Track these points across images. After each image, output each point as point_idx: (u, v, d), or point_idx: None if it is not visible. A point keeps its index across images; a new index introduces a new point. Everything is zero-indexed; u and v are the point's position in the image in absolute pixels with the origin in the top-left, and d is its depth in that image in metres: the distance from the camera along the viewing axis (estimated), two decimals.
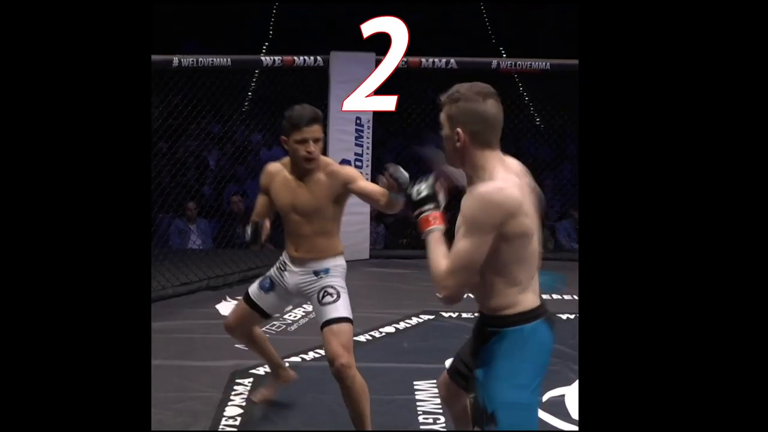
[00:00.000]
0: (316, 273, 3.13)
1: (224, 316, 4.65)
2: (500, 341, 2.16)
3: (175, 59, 4.98)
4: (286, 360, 3.88)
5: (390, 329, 4.43)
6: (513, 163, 2.24)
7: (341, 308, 3.05)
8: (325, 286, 3.09)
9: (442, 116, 2.18)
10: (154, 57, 4.92)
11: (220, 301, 4.98)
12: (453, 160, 2.21)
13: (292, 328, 4.50)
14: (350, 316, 3.05)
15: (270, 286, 3.22)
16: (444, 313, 4.71)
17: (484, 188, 2.08)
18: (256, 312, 3.25)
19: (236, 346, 4.12)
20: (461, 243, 2.06)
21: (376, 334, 4.31)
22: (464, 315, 4.73)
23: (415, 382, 3.69)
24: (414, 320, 4.50)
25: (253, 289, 3.26)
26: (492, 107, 2.15)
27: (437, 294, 2.15)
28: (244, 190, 7.46)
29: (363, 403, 2.99)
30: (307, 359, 4.02)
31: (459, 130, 2.13)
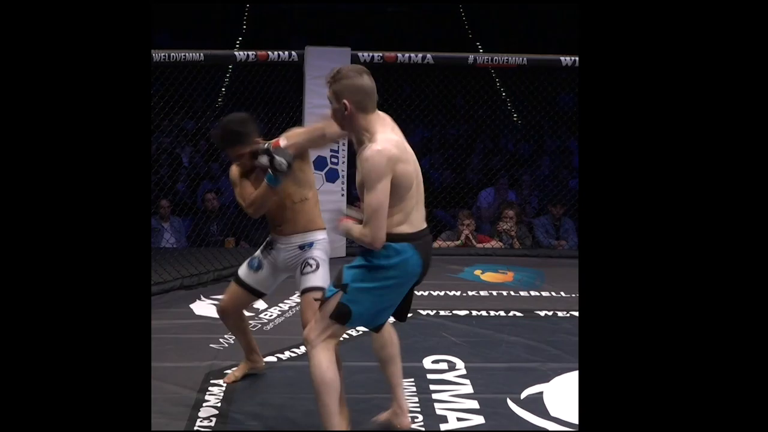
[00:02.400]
0: (301, 247, 3.37)
1: (199, 316, 4.64)
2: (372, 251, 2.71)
3: None
4: (262, 359, 3.85)
5: None
6: (387, 118, 2.77)
7: (318, 278, 3.30)
8: (307, 258, 3.35)
9: (329, 93, 2.70)
10: None
11: (194, 301, 4.90)
12: (342, 125, 2.75)
13: (268, 327, 4.44)
14: (325, 286, 3.21)
15: (258, 265, 3.44)
16: (422, 311, 4.67)
17: (369, 152, 2.62)
18: (248, 291, 3.48)
19: (211, 346, 4.08)
20: (368, 197, 2.62)
21: (354, 333, 4.25)
22: (442, 313, 4.70)
23: None
24: (391, 318, 4.44)
25: (242, 270, 3.48)
26: (367, 81, 2.68)
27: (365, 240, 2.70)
28: (219, 187, 7.38)
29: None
30: (283, 358, 3.96)
31: (345, 101, 2.65)
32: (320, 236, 3.38)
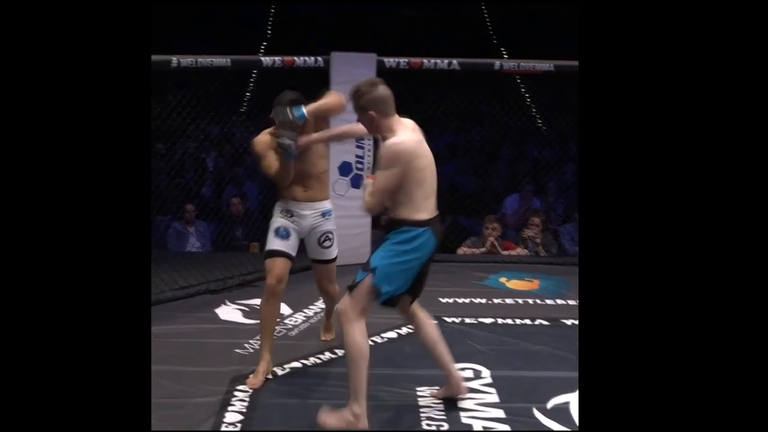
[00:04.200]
0: (323, 214, 3.88)
1: (224, 321, 4.65)
2: (397, 235, 3.18)
3: (174, 59, 4.91)
4: (287, 365, 3.89)
5: (392, 334, 4.36)
6: (408, 122, 3.25)
7: (333, 252, 3.96)
8: (326, 232, 3.91)
9: (356, 107, 3.18)
10: (153, 57, 4.85)
11: (219, 305, 4.89)
12: (372, 131, 3.24)
13: (293, 333, 4.43)
14: (337, 256, 3.98)
15: (287, 233, 3.82)
16: (447, 318, 4.65)
17: (389, 142, 3.11)
18: (288, 259, 3.81)
19: (236, 351, 4.09)
20: (380, 176, 3.10)
21: (378, 340, 4.24)
22: (467, 320, 4.67)
23: (417, 388, 3.63)
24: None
25: (276, 242, 3.80)
26: (383, 90, 3.16)
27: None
28: (244, 192, 7.39)
29: (336, 301, 3.72)
30: (309, 365, 3.95)
31: (371, 112, 3.13)
32: (331, 205, 3.94)
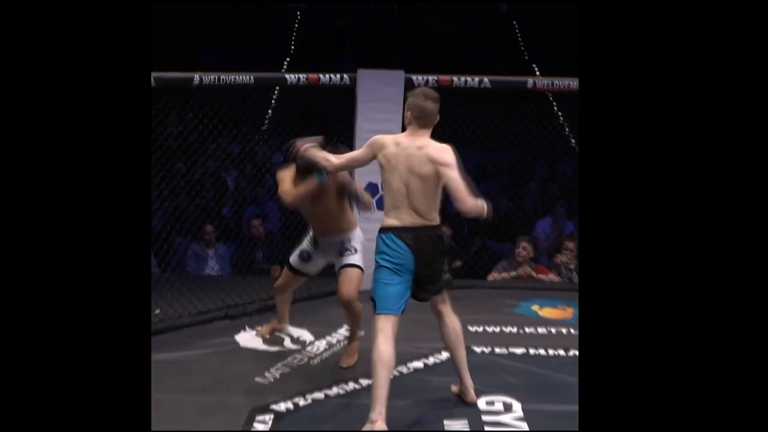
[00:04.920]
0: (342, 241, 4.12)
1: (244, 348, 4.52)
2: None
3: (197, 77, 4.79)
4: (309, 395, 3.74)
5: (419, 365, 4.18)
6: (429, 141, 3.43)
7: (356, 258, 4.09)
8: (347, 245, 4.12)
9: (406, 100, 3.52)
10: (175, 74, 4.76)
11: (239, 331, 4.73)
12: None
13: (315, 362, 4.26)
14: (362, 265, 4.08)
15: (308, 257, 4.21)
16: (476, 348, 4.45)
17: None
18: (300, 276, 4.30)
19: (256, 380, 3.94)
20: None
21: (404, 370, 4.05)
22: (497, 350, 4.47)
23: (445, 422, 3.48)
24: (444, 355, 4.23)
25: (295, 262, 4.24)
26: (429, 105, 3.44)
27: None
28: (265, 213, 7.24)
29: (359, 320, 4.11)
30: (331, 395, 3.78)
31: (408, 113, 3.47)
32: (356, 232, 4.15)
